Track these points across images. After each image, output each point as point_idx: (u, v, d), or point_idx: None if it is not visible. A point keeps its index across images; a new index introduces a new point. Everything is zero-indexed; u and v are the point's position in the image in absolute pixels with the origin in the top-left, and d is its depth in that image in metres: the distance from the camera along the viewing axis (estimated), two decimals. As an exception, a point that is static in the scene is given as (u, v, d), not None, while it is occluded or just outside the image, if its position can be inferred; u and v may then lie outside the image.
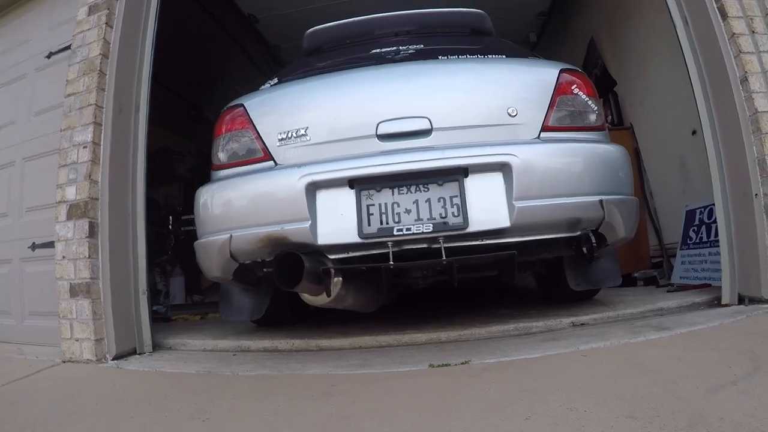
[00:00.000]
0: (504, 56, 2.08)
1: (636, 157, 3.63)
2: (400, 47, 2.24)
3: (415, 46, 2.25)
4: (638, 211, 2.00)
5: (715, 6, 2.14)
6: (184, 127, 5.48)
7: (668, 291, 2.68)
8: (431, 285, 2.28)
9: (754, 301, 2.01)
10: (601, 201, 1.71)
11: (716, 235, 2.29)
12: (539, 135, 1.79)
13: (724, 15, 2.11)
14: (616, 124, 3.86)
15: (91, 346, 2.10)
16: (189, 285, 4.75)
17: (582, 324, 2.05)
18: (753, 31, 2.10)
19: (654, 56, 3.38)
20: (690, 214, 3.06)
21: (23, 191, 2.73)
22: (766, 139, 1.98)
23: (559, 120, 1.84)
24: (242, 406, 1.46)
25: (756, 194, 2.01)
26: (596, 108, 1.93)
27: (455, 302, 3.09)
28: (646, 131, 3.64)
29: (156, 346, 2.33)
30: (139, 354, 2.25)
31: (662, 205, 3.58)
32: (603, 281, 2.22)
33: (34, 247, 2.54)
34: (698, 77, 2.23)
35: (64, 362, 2.18)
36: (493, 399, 1.30)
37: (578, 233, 1.75)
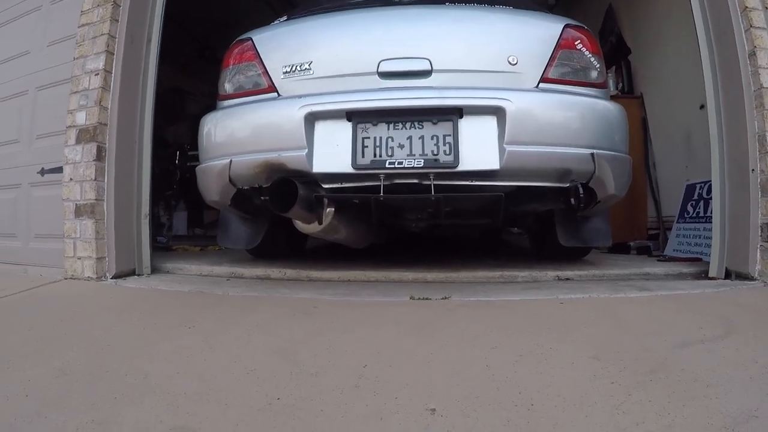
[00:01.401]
0: (511, 7, 2.16)
1: (642, 127, 3.71)
2: None
3: None
4: (631, 171, 2.08)
5: (729, -22, 2.15)
6: (197, 67, 5.65)
7: (658, 260, 2.78)
8: (425, 230, 2.39)
9: (741, 276, 2.08)
10: (592, 154, 1.80)
11: (713, 209, 2.38)
12: (538, 85, 1.88)
13: (738, -13, 2.10)
14: (626, 93, 3.92)
15: (92, 264, 2.26)
16: (191, 219, 5.01)
17: (567, 279, 2.18)
18: (766, 7, 2.12)
19: (669, 28, 3.43)
20: (690, 189, 3.13)
21: (35, 119, 2.87)
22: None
23: (560, 73, 1.92)
24: (227, 319, 1.60)
25: (753, 170, 2.07)
26: (598, 65, 2.00)
27: (449, 250, 3.22)
28: (655, 102, 3.71)
29: (154, 269, 2.50)
30: (138, 275, 2.41)
31: (664, 178, 3.66)
32: (592, 240, 2.33)
33: (43, 172, 2.69)
34: (707, 48, 2.27)
35: (66, 279, 2.35)
36: (466, 330, 1.42)
37: (568, 185, 1.84)
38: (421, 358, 1.21)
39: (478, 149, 1.72)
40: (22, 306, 1.96)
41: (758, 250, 2.00)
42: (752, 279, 2.01)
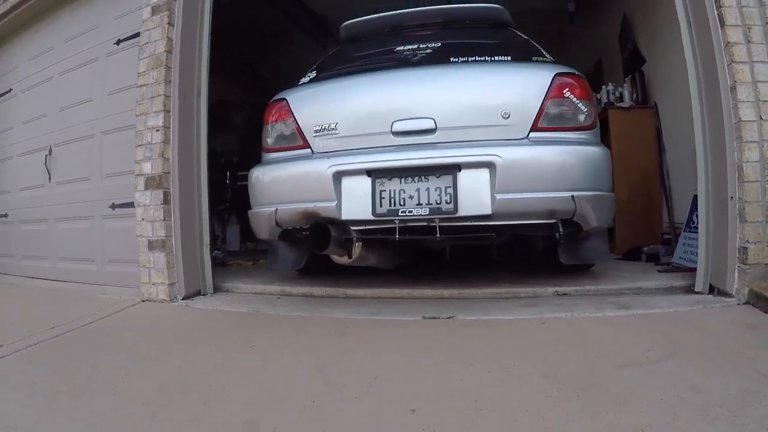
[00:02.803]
0: (509, 58, 2.57)
1: (657, 136, 4.02)
2: (420, 46, 2.77)
3: (433, 45, 2.78)
4: (613, 205, 2.47)
5: (715, 13, 2.36)
6: (240, 81, 6.48)
7: (659, 270, 3.11)
8: (446, 249, 2.89)
9: (721, 293, 2.36)
10: (572, 196, 2.19)
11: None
12: (528, 135, 2.29)
13: (722, 23, 2.32)
14: (640, 103, 4.23)
15: (165, 289, 2.88)
16: (243, 233, 5.62)
17: (564, 294, 2.58)
18: (749, 41, 2.31)
19: (681, 39, 3.69)
20: (696, 200, 3.47)
21: (102, 160, 3.51)
22: (745, 147, 2.25)
23: (549, 121, 2.32)
24: (280, 339, 2.14)
25: (731, 197, 2.30)
26: (586, 109, 2.37)
27: (468, 264, 3.69)
28: (669, 112, 4.00)
29: (216, 288, 3.12)
30: (203, 295, 3.04)
31: (678, 186, 3.97)
32: (590, 258, 2.71)
33: (113, 206, 3.34)
34: (696, 80, 2.52)
35: (143, 301, 2.96)
36: (457, 348, 1.85)
37: (553, 221, 2.26)
38: (417, 372, 1.68)
39: (474, 198, 2.18)
40: (114, 330, 2.50)
41: (735, 270, 2.27)
42: (730, 296, 2.28)
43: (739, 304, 2.22)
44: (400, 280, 3.01)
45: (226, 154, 5.93)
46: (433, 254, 3.52)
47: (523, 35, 2.98)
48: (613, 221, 4.10)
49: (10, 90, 4.57)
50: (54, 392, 1.73)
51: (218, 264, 4.16)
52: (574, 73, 2.43)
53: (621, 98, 4.23)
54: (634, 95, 4.22)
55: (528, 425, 1.30)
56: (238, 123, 6.06)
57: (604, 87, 4.40)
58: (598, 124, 2.53)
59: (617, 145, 4.04)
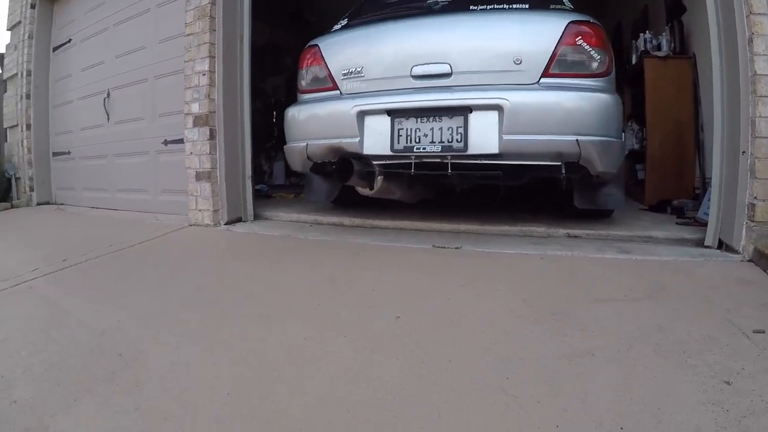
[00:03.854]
0: (527, 6, 2.72)
1: (693, 88, 4.07)
2: None
3: None
4: (621, 151, 2.65)
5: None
6: (288, 26, 6.97)
7: (677, 222, 3.16)
8: (473, 187, 3.16)
9: (729, 249, 2.40)
10: (577, 140, 2.41)
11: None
12: (539, 81, 2.51)
13: (742, -30, 2.22)
14: (678, 53, 4.26)
15: (210, 215, 3.36)
16: (288, 169, 6.15)
17: (575, 236, 2.77)
18: None
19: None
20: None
21: (155, 101, 3.99)
22: (759, 101, 2.25)
23: (560, 67, 2.51)
24: (304, 256, 2.57)
25: (743, 152, 2.32)
26: (598, 57, 2.52)
27: (490, 204, 3.90)
28: (707, 64, 4.03)
29: (256, 216, 3.60)
30: (244, 221, 3.53)
31: (712, 140, 4.03)
32: (604, 204, 2.92)
33: (166, 143, 3.83)
34: (716, 33, 2.54)
35: (190, 226, 3.46)
36: (454, 272, 2.14)
37: (559, 163, 2.50)
38: (411, 288, 1.98)
39: (483, 137, 2.47)
40: (163, 248, 3.02)
41: (743, 227, 2.30)
42: (737, 252, 2.32)
43: (742, 261, 2.25)
44: (424, 214, 3.37)
45: (276, 95, 6.46)
46: (456, 192, 3.72)
47: None
48: (644, 172, 4.26)
49: (70, 40, 5.11)
50: (108, 292, 2.21)
51: (262, 196, 4.71)
52: (589, 21, 2.54)
53: (659, 47, 4.28)
54: (672, 45, 4.25)
55: (491, 338, 1.52)
56: (286, 65, 6.52)
57: (641, 35, 4.45)
58: (613, 72, 2.64)
59: (651, 95, 4.03)
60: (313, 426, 1.16)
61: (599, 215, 3.18)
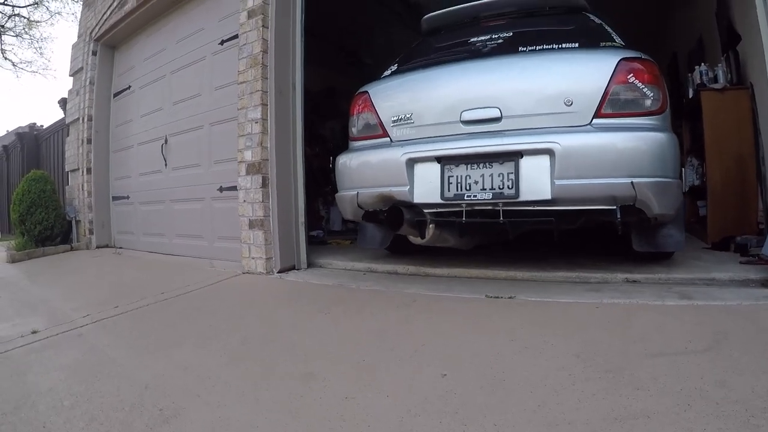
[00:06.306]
0: (576, 45, 2.76)
1: (752, 118, 3.95)
2: (492, 36, 3.07)
3: (504, 35, 3.07)
4: (679, 191, 2.61)
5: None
6: (347, 70, 7.21)
7: (741, 261, 3.07)
8: (528, 231, 3.13)
9: None
10: (632, 182, 2.38)
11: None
12: (591, 122, 2.52)
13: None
14: (734, 84, 4.15)
15: (262, 263, 3.53)
16: None
17: (634, 281, 2.74)
18: None
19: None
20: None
21: (211, 148, 4.24)
22: None
23: (612, 107, 2.50)
24: (353, 308, 2.64)
25: None
26: (652, 94, 2.51)
27: (547, 248, 3.90)
28: (766, 93, 3.91)
29: (310, 264, 3.75)
30: (297, 270, 3.67)
31: None
32: (664, 246, 2.87)
33: (221, 189, 4.04)
34: None
35: (243, 273, 3.65)
36: (506, 324, 2.14)
37: (614, 207, 2.45)
38: (460, 343, 1.98)
39: (534, 183, 2.49)
40: (214, 295, 3.20)
41: None
42: None
43: (814, 301, 2.17)
44: (479, 261, 3.40)
45: (334, 139, 6.69)
46: (507, 236, 3.78)
47: (596, 20, 3.12)
48: (705, 208, 4.14)
49: (129, 87, 5.57)
50: (155, 342, 2.35)
51: (318, 242, 4.89)
52: (641, 57, 2.53)
53: (715, 79, 4.18)
54: (729, 76, 4.14)
55: (540, 399, 1.49)
56: (343, 110, 6.70)
57: (696, 68, 4.36)
58: (668, 109, 2.63)
59: (710, 129, 3.99)
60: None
61: (659, 257, 3.12)
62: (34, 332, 2.53)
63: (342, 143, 6.60)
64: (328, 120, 6.78)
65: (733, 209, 3.99)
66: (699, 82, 4.26)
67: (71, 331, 2.53)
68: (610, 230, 3.16)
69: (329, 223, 6.25)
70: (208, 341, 2.29)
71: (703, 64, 4.36)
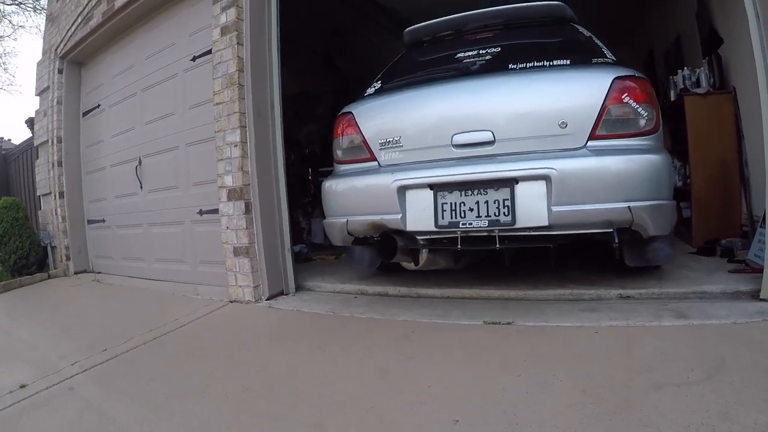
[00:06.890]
0: (568, 62, 2.71)
1: (735, 123, 3.98)
2: (480, 51, 3.00)
3: (493, 49, 3.00)
4: (674, 212, 2.62)
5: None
6: (320, 74, 7.19)
7: (729, 270, 3.09)
8: (507, 255, 3.11)
9: None
10: (629, 207, 2.37)
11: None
12: (586, 144, 2.48)
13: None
14: (717, 88, 4.17)
15: (250, 291, 3.43)
16: None
17: (627, 297, 2.75)
18: None
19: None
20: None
21: (188, 169, 4.10)
22: None
23: (607, 128, 2.47)
24: (349, 343, 2.55)
25: None
26: (646, 113, 2.49)
27: (537, 264, 3.86)
28: (748, 97, 3.93)
29: (298, 287, 3.66)
30: (285, 294, 3.58)
31: (758, 176, 3.91)
32: (655, 260, 2.86)
33: (201, 212, 3.92)
34: (763, 66, 2.57)
35: (231, 302, 3.54)
36: (509, 356, 2.12)
37: (611, 230, 2.44)
38: (467, 382, 1.93)
39: (531, 210, 2.45)
40: (204, 330, 3.06)
41: None
42: None
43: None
44: (470, 279, 3.35)
45: (310, 145, 6.62)
46: (501, 255, 3.76)
47: (585, 32, 3.09)
48: (689, 210, 4.17)
49: (99, 105, 5.39)
50: (153, 394, 2.23)
51: (302, 259, 4.76)
52: (634, 75, 2.52)
53: (698, 83, 4.19)
54: (711, 80, 4.16)
55: None
56: (320, 113, 6.68)
57: (679, 71, 4.37)
58: (661, 128, 2.62)
59: (694, 134, 4.04)
60: None
61: (646, 269, 3.12)
62: (22, 386, 2.39)
63: (320, 150, 6.58)
64: (304, 125, 6.67)
65: (717, 212, 4.07)
66: (682, 86, 4.27)
67: (62, 383, 2.40)
68: (600, 243, 3.17)
69: (311, 234, 6.12)
70: (209, 391, 2.19)
71: (686, 68, 4.37)
